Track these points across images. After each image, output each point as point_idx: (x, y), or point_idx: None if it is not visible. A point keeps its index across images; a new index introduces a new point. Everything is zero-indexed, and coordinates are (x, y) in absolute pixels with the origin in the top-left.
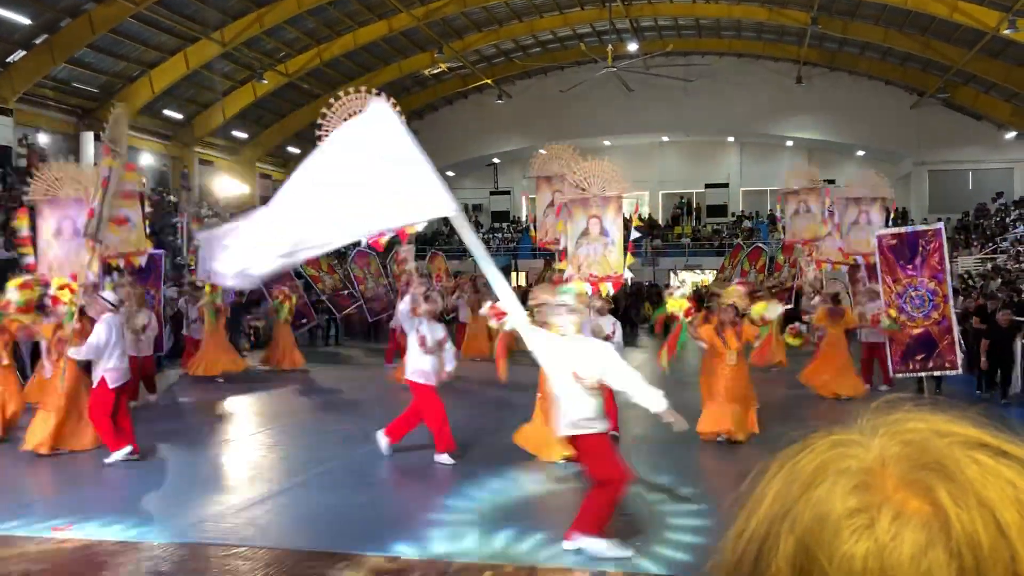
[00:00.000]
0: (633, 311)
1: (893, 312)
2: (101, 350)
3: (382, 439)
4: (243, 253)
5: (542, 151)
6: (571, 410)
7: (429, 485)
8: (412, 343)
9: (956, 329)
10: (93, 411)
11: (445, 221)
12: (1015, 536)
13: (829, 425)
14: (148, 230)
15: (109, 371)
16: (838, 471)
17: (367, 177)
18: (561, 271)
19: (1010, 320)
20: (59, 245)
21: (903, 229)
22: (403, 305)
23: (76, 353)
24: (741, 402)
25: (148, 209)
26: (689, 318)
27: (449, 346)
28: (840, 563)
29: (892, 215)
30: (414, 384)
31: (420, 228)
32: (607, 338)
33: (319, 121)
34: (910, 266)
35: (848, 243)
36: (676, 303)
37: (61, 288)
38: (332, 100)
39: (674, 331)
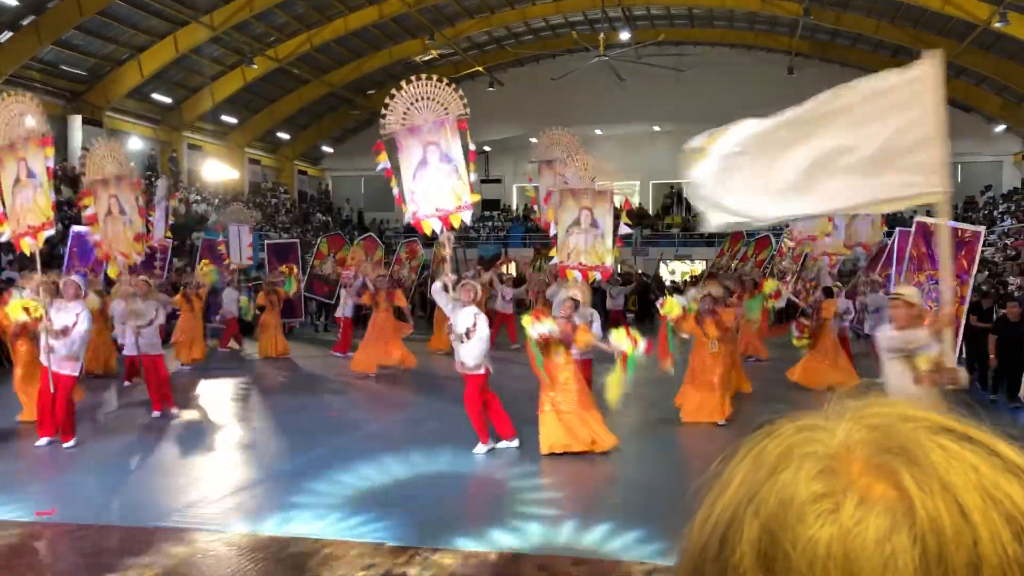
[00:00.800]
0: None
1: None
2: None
3: (504, 443)
4: (745, 196)
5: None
6: None
7: (414, 471)
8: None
9: (960, 332)
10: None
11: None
12: (978, 520)
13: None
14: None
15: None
16: (803, 455)
17: (871, 143)
18: (550, 258)
19: (1020, 314)
20: (110, 224)
21: (947, 222)
22: (438, 285)
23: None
24: (720, 388)
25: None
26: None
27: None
28: (804, 548)
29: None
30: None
31: (467, 218)
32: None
33: (386, 101)
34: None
35: (850, 235)
36: (671, 306)
37: None
38: (403, 83)
39: (661, 330)
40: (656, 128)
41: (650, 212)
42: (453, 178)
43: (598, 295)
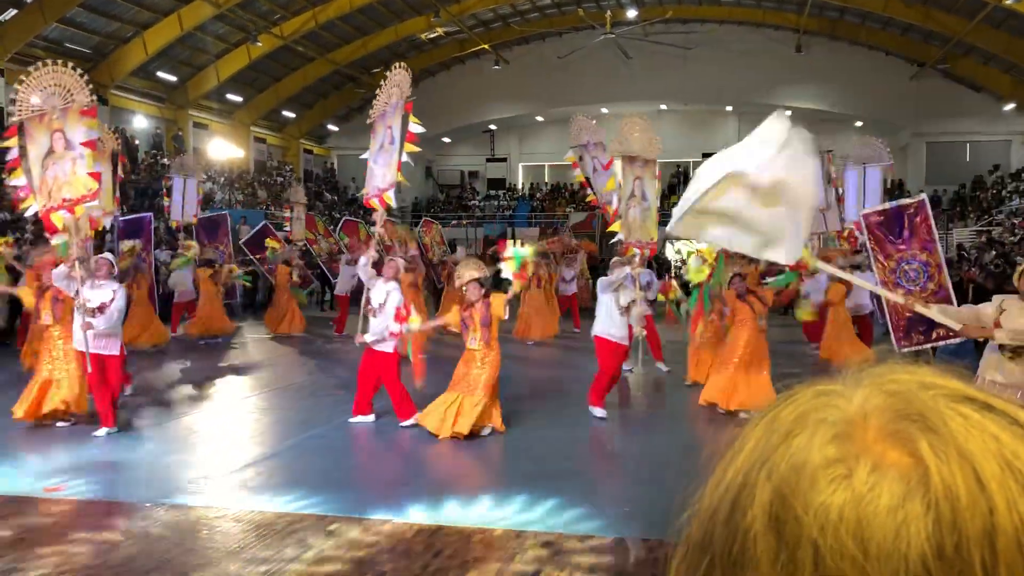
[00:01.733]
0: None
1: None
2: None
3: (596, 410)
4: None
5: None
6: None
7: (418, 451)
8: (608, 305)
9: (954, 297)
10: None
11: (442, 188)
12: (995, 489)
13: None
14: (118, 192)
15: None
16: (818, 421)
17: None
18: (613, 232)
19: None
20: (54, 166)
21: (886, 205)
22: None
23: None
24: (755, 368)
25: (120, 173)
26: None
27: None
28: (816, 513)
29: (888, 185)
30: (602, 340)
31: (392, 197)
32: None
33: (377, 93)
34: (900, 241)
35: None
36: (697, 272)
37: None
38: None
39: (698, 299)
40: (663, 107)
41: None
42: (393, 157)
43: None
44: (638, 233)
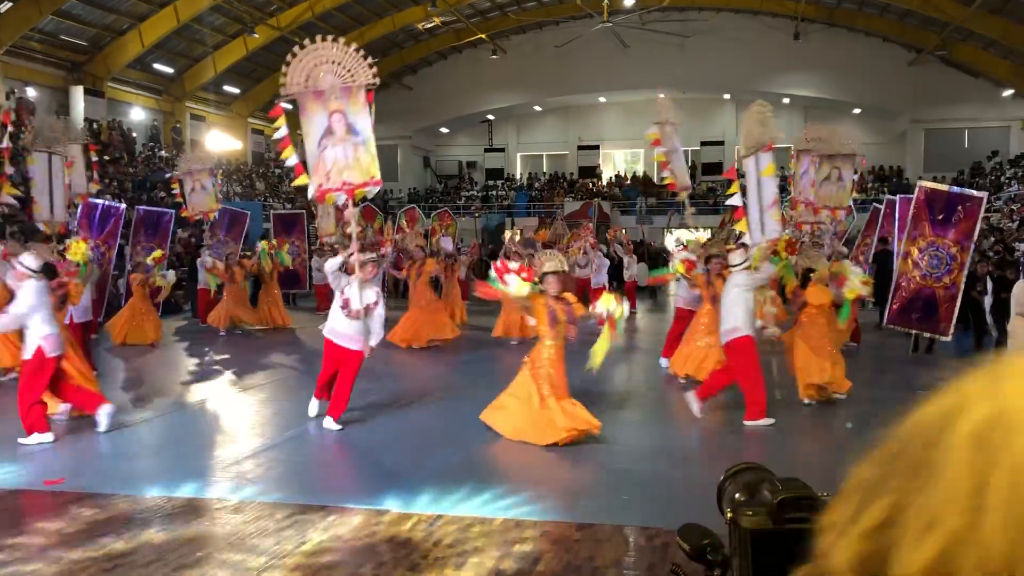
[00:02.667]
0: None
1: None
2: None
3: (694, 402)
4: None
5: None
6: None
7: (420, 441)
8: (740, 301)
9: (959, 298)
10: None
11: (440, 178)
12: None
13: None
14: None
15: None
16: None
17: None
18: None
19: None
20: None
21: (947, 187)
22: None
23: None
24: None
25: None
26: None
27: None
28: (1017, 452)
29: (857, 172)
30: (737, 341)
31: (370, 194)
32: None
33: (288, 59)
34: (940, 227)
35: (818, 198)
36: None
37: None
38: (296, 48)
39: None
40: (661, 95)
41: (655, 180)
42: (361, 151)
43: (612, 266)
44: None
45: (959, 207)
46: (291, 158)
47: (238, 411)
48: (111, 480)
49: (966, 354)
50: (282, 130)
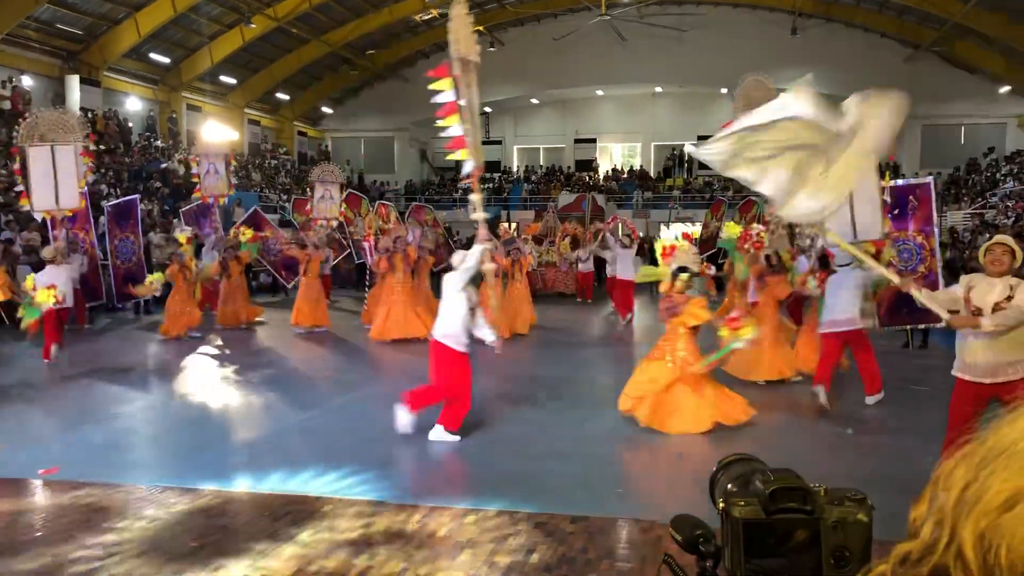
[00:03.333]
0: None
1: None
2: None
3: (821, 393)
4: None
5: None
6: None
7: (415, 433)
8: (856, 297)
9: (942, 283)
10: None
11: (437, 171)
12: None
13: None
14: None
15: None
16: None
17: None
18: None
19: None
20: None
21: (893, 182)
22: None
23: None
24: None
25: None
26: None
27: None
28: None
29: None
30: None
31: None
32: None
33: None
34: (899, 220)
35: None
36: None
37: None
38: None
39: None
40: (658, 89)
41: (651, 174)
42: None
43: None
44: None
45: (910, 196)
46: (453, 127)
47: (233, 402)
48: (105, 470)
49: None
50: (449, 93)
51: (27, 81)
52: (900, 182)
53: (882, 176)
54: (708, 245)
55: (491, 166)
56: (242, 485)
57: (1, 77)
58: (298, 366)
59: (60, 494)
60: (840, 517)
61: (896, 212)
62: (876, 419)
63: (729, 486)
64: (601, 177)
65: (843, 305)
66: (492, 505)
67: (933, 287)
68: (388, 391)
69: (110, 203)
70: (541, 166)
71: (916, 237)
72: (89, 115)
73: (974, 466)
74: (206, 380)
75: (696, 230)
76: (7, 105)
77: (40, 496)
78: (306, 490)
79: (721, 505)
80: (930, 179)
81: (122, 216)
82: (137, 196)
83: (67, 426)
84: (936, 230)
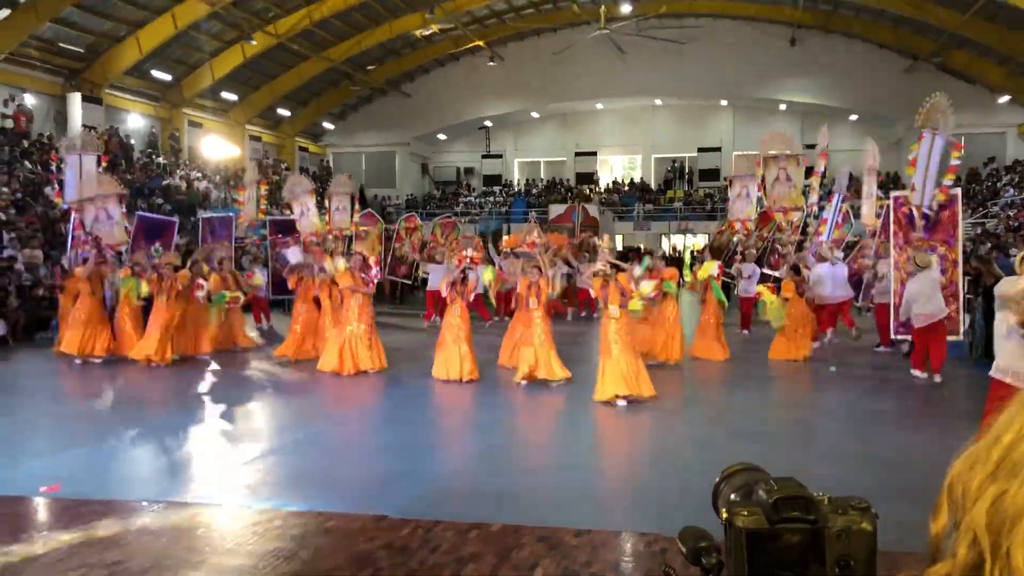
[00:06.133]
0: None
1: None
2: None
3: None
4: None
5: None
6: None
7: (415, 448)
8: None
9: (962, 294)
10: None
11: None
12: None
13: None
14: None
15: None
16: None
17: None
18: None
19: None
20: None
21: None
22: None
23: None
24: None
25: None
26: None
27: None
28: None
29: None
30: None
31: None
32: None
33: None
34: (923, 230)
35: (771, 200)
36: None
37: None
38: None
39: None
40: (658, 102)
41: (652, 186)
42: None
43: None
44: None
45: (937, 206)
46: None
47: (233, 418)
48: (106, 486)
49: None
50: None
51: (29, 99)
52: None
53: (884, 189)
54: (718, 252)
55: (492, 180)
56: (245, 500)
57: (3, 96)
58: (306, 387)
59: (63, 511)
60: (844, 526)
61: (922, 223)
62: (878, 427)
63: (732, 496)
64: (602, 189)
65: (927, 299)
66: (495, 519)
67: (955, 299)
68: (397, 408)
69: (146, 214)
70: (542, 179)
71: (939, 247)
72: (92, 132)
73: (996, 473)
74: (206, 393)
75: (698, 241)
76: (10, 124)
77: (42, 512)
78: (310, 505)
79: (724, 515)
80: (958, 190)
81: (153, 232)
82: (176, 220)
83: (71, 441)
84: (959, 242)
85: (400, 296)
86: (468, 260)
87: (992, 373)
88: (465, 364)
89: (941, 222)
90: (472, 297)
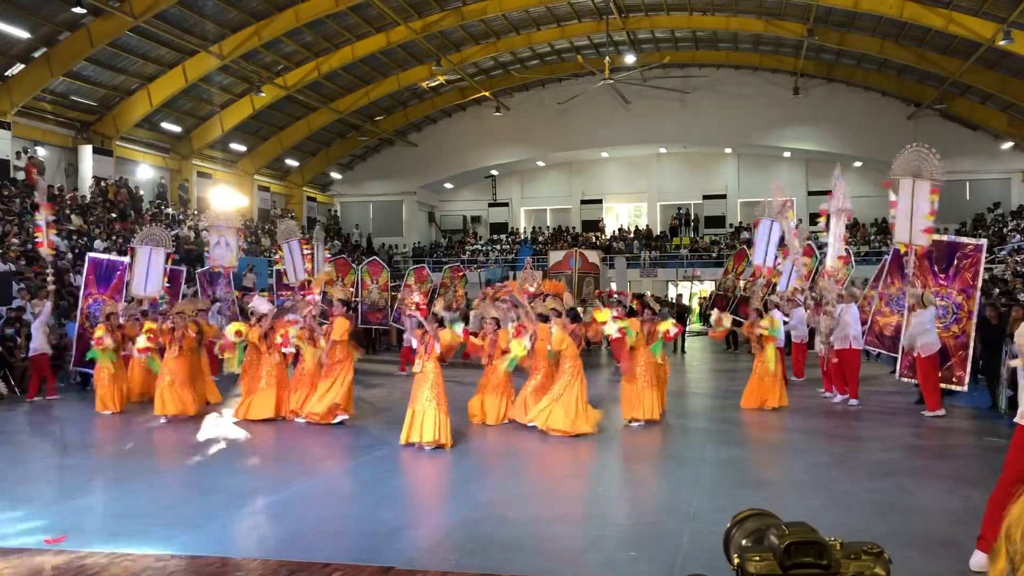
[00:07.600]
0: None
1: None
2: None
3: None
4: None
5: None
6: None
7: (424, 497)
8: (932, 329)
9: (971, 346)
10: None
11: (444, 233)
12: None
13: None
14: None
15: None
16: None
17: None
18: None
19: (996, 316)
20: None
21: (944, 237)
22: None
23: None
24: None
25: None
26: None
27: None
28: None
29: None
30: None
31: None
32: None
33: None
34: (943, 275)
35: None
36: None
37: None
38: None
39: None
40: (662, 150)
41: (657, 233)
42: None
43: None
44: None
45: (957, 255)
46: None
47: (237, 466)
48: (111, 537)
49: (978, 407)
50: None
51: (41, 151)
52: (950, 238)
53: (884, 234)
54: (723, 300)
55: (499, 228)
56: (250, 551)
57: (16, 148)
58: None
59: (68, 563)
60: (857, 571)
61: (942, 267)
62: (890, 477)
63: (744, 542)
64: (608, 237)
65: (925, 336)
66: (503, 568)
67: (962, 348)
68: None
69: (97, 255)
70: (548, 227)
71: (956, 296)
72: (102, 184)
73: None
74: (205, 446)
75: (705, 288)
76: (22, 175)
77: (48, 565)
78: (313, 556)
79: (736, 561)
80: (984, 242)
81: (104, 276)
82: (183, 269)
83: (74, 492)
84: (978, 293)
85: (375, 344)
86: (414, 307)
87: (1018, 420)
88: (442, 430)
89: (961, 272)
90: (439, 350)
